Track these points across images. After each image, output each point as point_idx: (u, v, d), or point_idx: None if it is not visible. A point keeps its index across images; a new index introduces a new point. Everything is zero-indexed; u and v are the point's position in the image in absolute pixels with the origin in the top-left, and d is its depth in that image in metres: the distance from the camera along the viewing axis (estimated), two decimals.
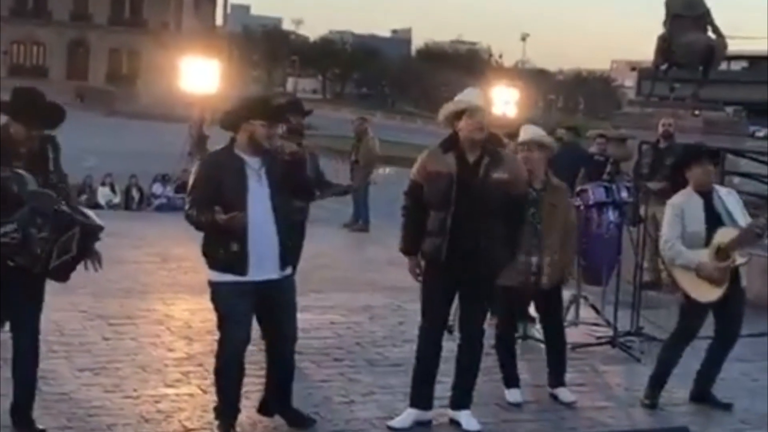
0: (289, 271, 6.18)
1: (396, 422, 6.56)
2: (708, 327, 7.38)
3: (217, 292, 6.06)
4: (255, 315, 6.15)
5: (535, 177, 7.14)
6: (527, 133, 7.39)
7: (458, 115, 6.42)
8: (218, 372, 6.18)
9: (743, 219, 7.16)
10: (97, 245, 5.99)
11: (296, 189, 6.41)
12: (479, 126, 6.34)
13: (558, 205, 7.28)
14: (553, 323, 7.51)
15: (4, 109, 5.87)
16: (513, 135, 8.12)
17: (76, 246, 5.71)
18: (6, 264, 5.61)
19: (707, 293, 7.10)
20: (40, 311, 6.10)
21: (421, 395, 6.61)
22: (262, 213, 5.94)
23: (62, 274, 5.84)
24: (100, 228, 5.90)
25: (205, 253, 6.07)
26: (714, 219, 7.11)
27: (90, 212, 6.08)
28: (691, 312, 7.25)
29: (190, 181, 6.07)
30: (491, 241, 6.34)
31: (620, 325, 9.06)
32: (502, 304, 7.29)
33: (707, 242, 7.06)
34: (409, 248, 6.57)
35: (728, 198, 7.26)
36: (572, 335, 8.87)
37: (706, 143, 11.27)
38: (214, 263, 6.03)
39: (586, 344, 8.83)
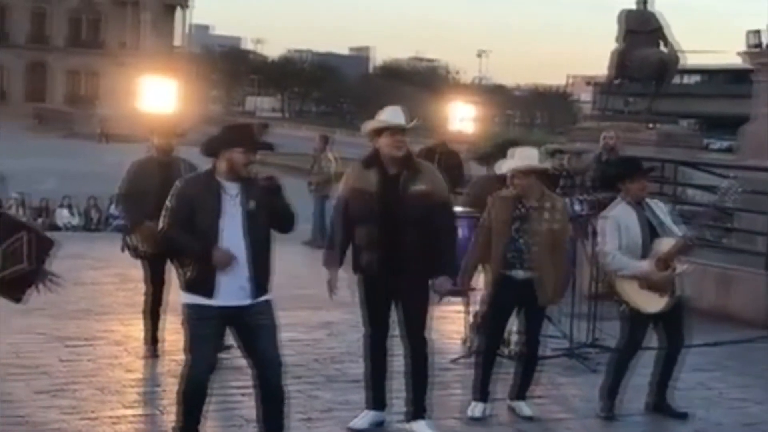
0: (264, 296, 6.02)
1: (354, 423, 6.88)
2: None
3: (185, 313, 6.04)
4: (238, 344, 6.15)
5: (527, 197, 7.22)
6: (517, 159, 7.37)
7: (378, 132, 6.63)
8: (182, 394, 6.06)
9: (675, 227, 7.31)
10: (56, 266, 5.95)
11: (276, 217, 6.12)
12: (398, 144, 6.56)
13: (551, 221, 7.27)
14: (535, 338, 7.55)
15: None
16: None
17: (26, 257, 5.60)
18: None
19: (652, 303, 7.22)
20: None
21: (375, 396, 6.92)
22: (234, 238, 5.89)
23: (15, 290, 5.74)
24: (51, 242, 5.83)
25: (177, 271, 6.06)
26: (649, 229, 7.26)
27: (39, 227, 6.02)
28: (634, 323, 7.37)
29: (168, 201, 6.04)
30: (418, 250, 6.53)
31: (577, 337, 9.15)
32: (487, 318, 7.39)
33: (644, 253, 7.17)
34: (331, 261, 6.80)
35: (657, 208, 7.42)
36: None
37: (656, 155, 11.43)
38: (183, 284, 6.03)
39: (543, 357, 8.88)
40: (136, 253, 8.64)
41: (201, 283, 5.88)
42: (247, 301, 5.94)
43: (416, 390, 6.80)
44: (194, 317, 5.93)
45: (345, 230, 6.75)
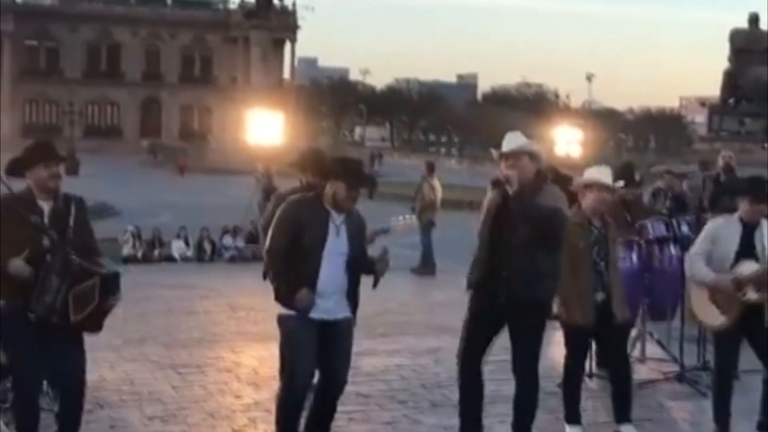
0: (350, 315, 6.44)
1: None
2: None
3: (284, 323, 6.35)
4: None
5: (596, 215, 7.21)
6: (604, 174, 7.40)
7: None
8: (280, 402, 6.44)
9: None
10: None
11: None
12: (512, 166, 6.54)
13: (615, 241, 7.38)
14: (619, 358, 7.47)
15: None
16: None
17: (98, 295, 5.83)
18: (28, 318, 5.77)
19: (711, 317, 7.10)
20: (82, 363, 6.10)
21: (465, 425, 6.84)
22: (335, 263, 6.27)
23: (92, 324, 5.95)
24: (117, 274, 6.03)
25: (275, 287, 6.35)
26: (747, 248, 7.02)
27: (108, 261, 6.22)
28: (720, 345, 7.24)
29: (275, 218, 6.40)
30: (525, 273, 6.43)
31: (687, 360, 8.99)
32: (569, 341, 7.33)
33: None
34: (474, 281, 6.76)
35: None
36: (639, 372, 8.84)
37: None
38: (281, 296, 6.31)
39: (653, 380, 8.79)
40: None
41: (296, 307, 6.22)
42: (337, 317, 6.32)
43: (523, 419, 6.75)
44: (294, 325, 6.26)
45: (485, 250, 6.67)
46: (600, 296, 7.16)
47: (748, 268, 6.94)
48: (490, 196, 6.69)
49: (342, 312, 6.35)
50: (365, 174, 6.76)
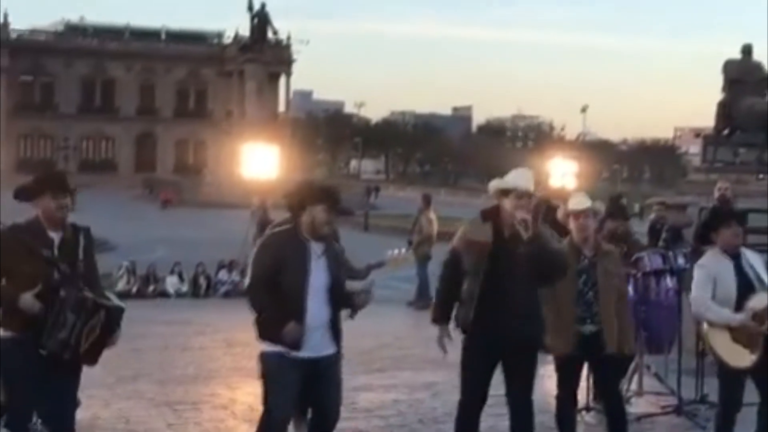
0: (337, 350, 6.33)
1: None
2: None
3: (265, 362, 6.23)
4: (303, 392, 6.27)
5: (587, 244, 7.19)
6: (581, 201, 7.41)
7: (505, 192, 6.57)
8: None
9: None
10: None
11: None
12: (522, 206, 6.45)
13: (612, 270, 7.26)
14: (612, 392, 7.43)
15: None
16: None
17: (100, 328, 5.83)
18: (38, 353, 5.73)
19: (740, 358, 7.01)
20: (74, 405, 6.10)
21: None
22: (319, 295, 6.16)
23: (91, 358, 5.92)
24: (122, 309, 6.01)
25: (258, 323, 6.23)
26: (745, 284, 7.02)
27: (112, 295, 6.19)
28: (728, 380, 7.17)
29: (253, 256, 6.32)
30: (523, 310, 6.41)
31: (685, 393, 8.95)
32: (559, 374, 7.29)
33: (737, 307, 6.99)
34: (439, 317, 6.74)
35: (756, 261, 7.18)
36: (637, 405, 8.82)
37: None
38: (263, 334, 6.20)
39: (651, 414, 8.73)
40: None
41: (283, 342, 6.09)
42: (325, 353, 6.21)
43: None
44: (277, 364, 6.13)
45: (453, 285, 6.66)
46: (589, 328, 7.11)
47: (760, 300, 6.91)
48: (477, 229, 6.58)
49: (328, 347, 6.25)
50: (341, 200, 6.56)
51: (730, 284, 7.02)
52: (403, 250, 7.67)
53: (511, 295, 6.42)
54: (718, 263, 7.14)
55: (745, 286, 7.02)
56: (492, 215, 6.60)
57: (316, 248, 6.19)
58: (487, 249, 6.47)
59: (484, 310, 6.46)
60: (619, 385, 7.60)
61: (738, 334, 6.96)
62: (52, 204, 5.89)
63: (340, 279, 6.29)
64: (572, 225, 7.29)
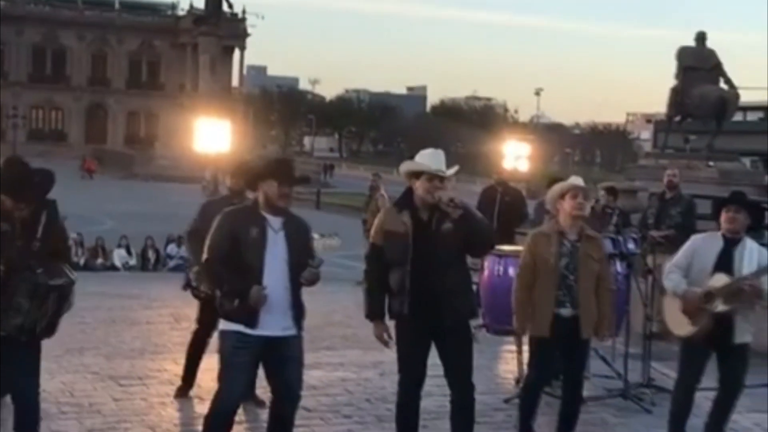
0: (298, 330, 6.22)
1: None
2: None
3: (223, 340, 6.15)
4: (264, 371, 6.24)
5: (574, 226, 7.17)
6: (578, 180, 7.42)
7: (417, 174, 6.46)
8: (208, 420, 6.19)
9: (750, 271, 7.06)
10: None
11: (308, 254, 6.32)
12: (434, 190, 6.35)
13: (593, 255, 7.21)
14: (577, 377, 7.44)
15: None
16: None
17: (53, 307, 5.77)
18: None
19: (680, 327, 7.11)
20: (38, 378, 6.06)
21: None
22: (277, 271, 6.06)
23: (48, 332, 5.87)
24: (73, 282, 5.89)
25: (218, 303, 6.16)
26: (725, 264, 7.02)
27: (67, 270, 6.05)
28: (686, 358, 7.23)
29: (211, 232, 6.20)
30: (454, 292, 6.39)
31: (631, 377, 9.02)
32: (534, 357, 7.28)
33: None
34: (373, 313, 6.61)
35: (754, 252, 7.08)
36: (584, 388, 8.85)
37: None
38: (223, 312, 6.12)
39: (597, 397, 8.79)
40: (196, 292, 8.61)
41: (247, 313, 5.99)
42: (285, 333, 6.11)
43: None
44: (233, 345, 6.05)
45: (380, 278, 6.54)
46: (566, 311, 7.11)
47: (718, 280, 6.97)
48: (394, 219, 6.46)
49: (288, 325, 6.12)
50: (294, 171, 6.43)
51: (707, 262, 7.02)
52: (325, 235, 7.49)
53: (441, 275, 6.34)
54: (705, 241, 7.18)
55: (723, 268, 6.99)
56: (406, 203, 6.49)
57: (273, 223, 6.10)
58: (408, 238, 6.37)
59: (418, 297, 6.38)
60: (584, 372, 7.57)
61: (688, 306, 7.03)
62: None
63: (302, 254, 6.15)
64: (567, 204, 7.21)
